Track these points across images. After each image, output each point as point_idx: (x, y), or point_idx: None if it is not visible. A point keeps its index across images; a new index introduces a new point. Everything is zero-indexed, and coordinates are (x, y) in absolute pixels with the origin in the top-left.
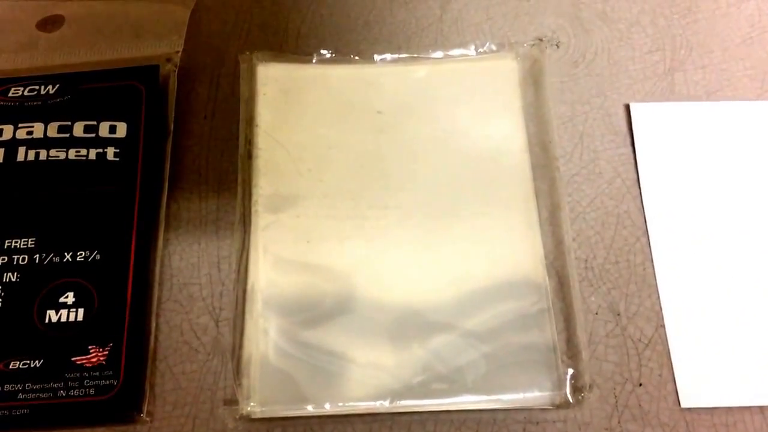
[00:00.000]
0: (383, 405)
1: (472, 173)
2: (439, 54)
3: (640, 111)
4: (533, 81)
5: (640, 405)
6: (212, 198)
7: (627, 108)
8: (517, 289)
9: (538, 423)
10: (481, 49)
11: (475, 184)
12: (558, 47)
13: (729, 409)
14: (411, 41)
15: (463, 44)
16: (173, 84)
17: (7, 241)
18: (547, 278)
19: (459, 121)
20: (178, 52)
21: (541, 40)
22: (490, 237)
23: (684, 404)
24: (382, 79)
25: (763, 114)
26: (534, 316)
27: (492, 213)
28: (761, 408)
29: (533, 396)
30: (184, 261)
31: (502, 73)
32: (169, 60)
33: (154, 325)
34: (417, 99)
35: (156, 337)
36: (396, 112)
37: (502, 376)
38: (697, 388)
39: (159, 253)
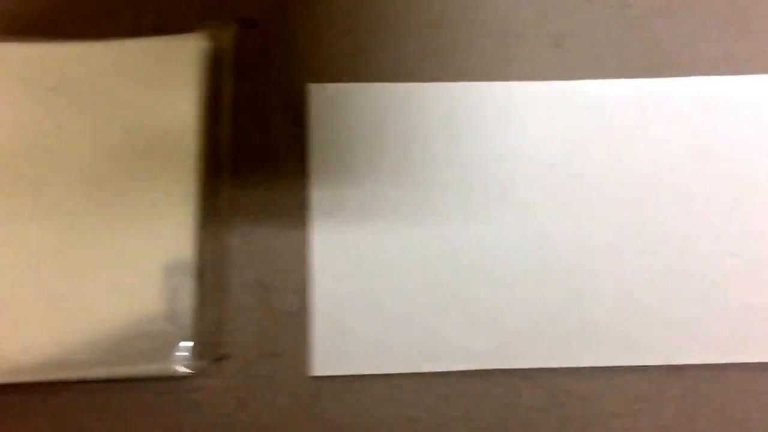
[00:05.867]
0: None
1: (134, 153)
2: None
3: (316, 91)
4: (219, 60)
5: (273, 374)
6: None
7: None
8: (158, 260)
9: (171, 392)
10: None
11: (135, 163)
12: (256, 27)
13: (355, 377)
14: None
15: (149, 21)
16: None
17: None
18: (193, 251)
19: (130, 100)
20: None
21: (232, 19)
22: (139, 213)
23: (313, 373)
24: (61, 59)
25: (435, 95)
26: (172, 288)
27: (145, 189)
28: (386, 375)
29: (164, 366)
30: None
31: (185, 52)
32: None
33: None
34: (94, 78)
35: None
36: (74, 92)
37: (133, 345)
38: (329, 357)
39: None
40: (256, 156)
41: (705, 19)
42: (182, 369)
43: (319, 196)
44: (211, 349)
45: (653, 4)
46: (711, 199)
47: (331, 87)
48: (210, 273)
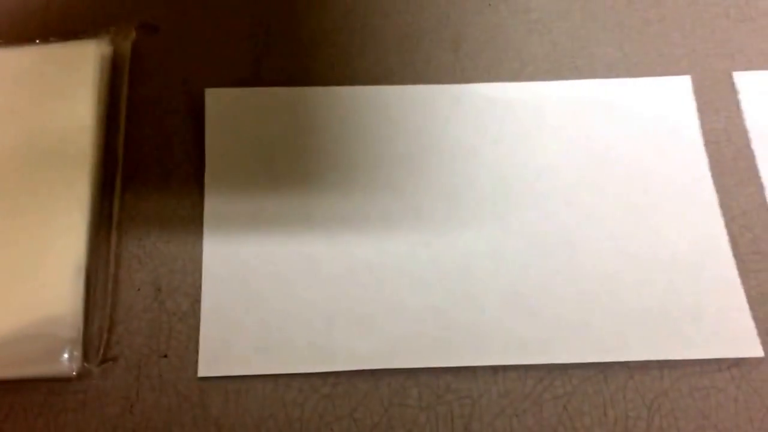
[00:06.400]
0: None
1: (31, 157)
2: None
3: (213, 96)
4: (118, 65)
5: (161, 375)
6: None
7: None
8: (50, 263)
9: (59, 394)
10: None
11: (31, 167)
12: (156, 33)
13: (243, 378)
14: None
15: (50, 27)
16: None
17: None
18: (85, 254)
19: (29, 106)
20: None
21: (132, 25)
22: (32, 217)
23: (201, 374)
24: None
25: (334, 99)
26: (63, 291)
27: (40, 194)
28: (273, 376)
29: (52, 367)
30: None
31: (83, 57)
32: None
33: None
34: None
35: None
36: None
37: (21, 346)
38: (217, 359)
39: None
40: (154, 161)
41: (603, 23)
42: (70, 371)
43: (212, 200)
44: (99, 351)
45: (553, 8)
46: (601, 201)
47: (228, 92)
48: (102, 276)
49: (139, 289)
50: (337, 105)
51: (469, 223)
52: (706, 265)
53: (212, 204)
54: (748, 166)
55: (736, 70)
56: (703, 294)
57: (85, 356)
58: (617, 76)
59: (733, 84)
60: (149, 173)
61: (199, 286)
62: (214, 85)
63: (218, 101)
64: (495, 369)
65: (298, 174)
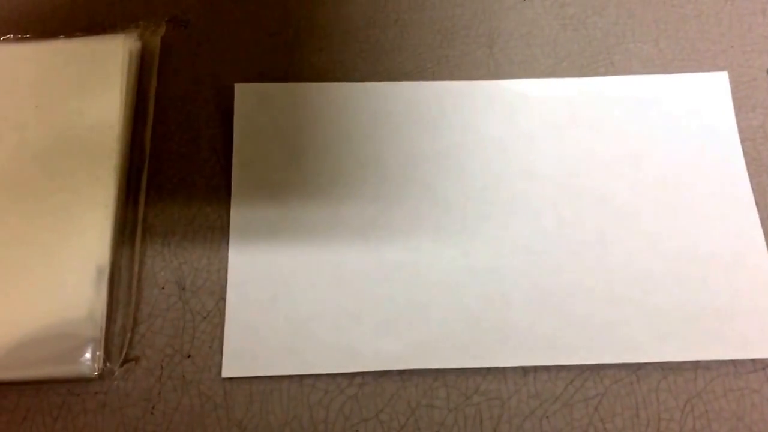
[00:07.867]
0: None
1: (57, 154)
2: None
3: (243, 91)
4: (147, 60)
5: (184, 376)
6: None
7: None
8: (73, 262)
9: (79, 394)
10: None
11: (57, 164)
12: (185, 27)
13: (269, 378)
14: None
15: (80, 21)
16: None
17: None
18: (109, 254)
19: (57, 101)
20: None
21: (162, 20)
22: (57, 215)
23: (225, 374)
24: None
25: (366, 95)
26: (85, 291)
27: (65, 191)
28: (298, 377)
29: (72, 368)
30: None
31: (111, 52)
32: None
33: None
34: (22, 78)
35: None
36: (2, 92)
37: (42, 347)
38: (242, 359)
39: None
40: (181, 157)
41: (639, 19)
42: (91, 371)
43: (239, 198)
44: (122, 351)
45: (588, 4)
46: (635, 199)
47: (258, 87)
48: (126, 274)
49: (163, 288)
50: (369, 101)
51: (500, 221)
52: (740, 264)
53: (239, 202)
54: None
55: None
56: (738, 293)
57: (107, 356)
58: (653, 72)
59: None
60: (176, 170)
61: (224, 285)
62: (244, 80)
63: (248, 96)
64: (525, 370)
65: (327, 171)
